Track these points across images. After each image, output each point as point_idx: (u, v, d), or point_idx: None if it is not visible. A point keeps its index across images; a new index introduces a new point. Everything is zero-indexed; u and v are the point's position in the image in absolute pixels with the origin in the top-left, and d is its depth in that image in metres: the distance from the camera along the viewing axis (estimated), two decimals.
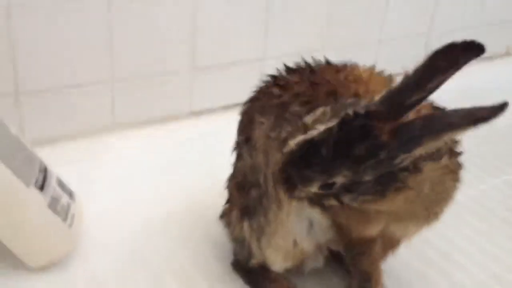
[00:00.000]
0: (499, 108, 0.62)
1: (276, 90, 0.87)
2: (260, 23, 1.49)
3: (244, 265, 0.98)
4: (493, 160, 1.46)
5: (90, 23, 1.26)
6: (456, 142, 0.78)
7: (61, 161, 1.25)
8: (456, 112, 0.66)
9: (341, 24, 1.63)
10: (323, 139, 0.67)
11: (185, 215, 1.18)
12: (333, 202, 0.72)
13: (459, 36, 0.69)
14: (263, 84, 0.93)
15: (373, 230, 0.84)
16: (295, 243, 0.88)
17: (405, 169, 0.69)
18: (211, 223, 1.13)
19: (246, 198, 0.91)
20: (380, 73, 0.85)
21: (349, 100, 0.71)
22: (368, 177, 0.68)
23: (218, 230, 1.07)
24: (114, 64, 1.32)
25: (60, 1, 1.21)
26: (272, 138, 0.84)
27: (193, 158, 1.36)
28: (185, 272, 1.03)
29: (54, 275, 0.99)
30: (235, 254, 1.01)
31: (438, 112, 0.72)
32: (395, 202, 0.74)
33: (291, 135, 0.71)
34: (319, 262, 0.96)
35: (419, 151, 0.67)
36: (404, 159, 0.67)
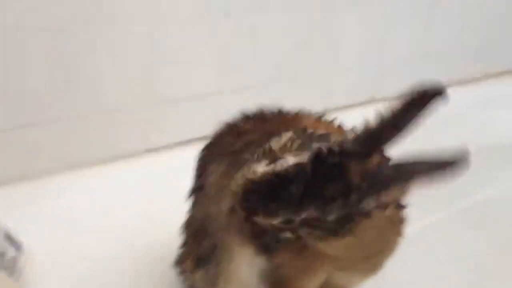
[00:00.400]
0: (462, 160, 0.63)
1: (229, 138, 0.87)
2: (216, 57, 1.49)
3: None
4: (437, 192, 1.47)
5: (46, 60, 1.23)
6: (402, 195, 0.78)
7: (9, 205, 1.22)
8: (424, 160, 0.66)
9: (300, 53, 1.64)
10: (295, 175, 0.65)
11: (139, 259, 1.16)
12: (289, 235, 0.70)
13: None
14: (218, 132, 0.93)
15: (315, 281, 0.84)
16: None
17: (364, 213, 0.68)
18: (165, 268, 1.11)
19: (200, 247, 0.89)
20: (328, 121, 0.86)
21: (319, 132, 0.70)
22: (332, 217, 0.66)
23: (173, 276, 1.05)
24: (65, 103, 1.30)
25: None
26: (224, 187, 0.83)
27: (147, 197, 1.33)
28: None
29: None
30: None
31: (408, 159, 0.72)
32: (339, 247, 0.73)
33: (256, 160, 0.69)
34: None
35: (385, 196, 0.66)
36: (370, 203, 0.66)
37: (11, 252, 0.98)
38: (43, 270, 1.07)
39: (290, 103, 1.57)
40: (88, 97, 1.33)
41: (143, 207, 1.30)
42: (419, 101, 0.67)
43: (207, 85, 1.50)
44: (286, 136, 0.70)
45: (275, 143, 0.70)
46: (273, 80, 1.62)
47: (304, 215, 0.66)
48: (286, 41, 1.62)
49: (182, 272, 0.97)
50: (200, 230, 0.90)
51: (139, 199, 1.33)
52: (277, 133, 0.81)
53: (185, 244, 0.97)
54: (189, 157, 1.38)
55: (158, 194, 1.34)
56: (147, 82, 1.39)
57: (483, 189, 1.49)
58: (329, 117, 0.88)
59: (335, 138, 0.69)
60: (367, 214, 0.70)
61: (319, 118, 0.86)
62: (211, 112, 1.51)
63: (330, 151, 0.65)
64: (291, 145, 0.69)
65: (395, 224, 0.77)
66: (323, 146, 0.66)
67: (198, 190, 0.91)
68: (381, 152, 0.68)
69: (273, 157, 0.68)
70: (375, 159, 0.66)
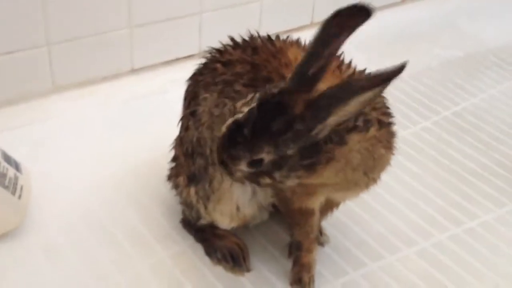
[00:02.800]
0: (401, 68, 0.66)
1: (219, 67, 0.91)
2: None
3: (193, 224, 1.04)
4: (424, 101, 1.54)
5: None
6: (385, 114, 0.82)
7: (3, 127, 1.25)
8: (361, 77, 0.72)
9: None
10: (246, 119, 0.72)
11: (132, 175, 1.21)
12: (267, 180, 0.77)
13: None
14: (207, 58, 0.95)
15: (315, 202, 0.91)
16: (238, 208, 0.93)
17: (329, 140, 0.74)
18: (158, 182, 1.17)
19: (192, 166, 0.95)
20: None
21: (273, 84, 0.75)
22: (290, 151, 0.72)
23: (166, 190, 1.12)
24: (49, 27, 1.29)
25: None
26: (216, 116, 0.88)
27: (136, 117, 1.37)
28: (136, 231, 1.08)
29: (8, 246, 1.02)
30: (184, 214, 1.06)
31: (345, 80, 0.76)
32: (327, 175, 0.80)
33: (224, 120, 0.76)
34: (265, 217, 1.03)
35: (333, 120, 0.70)
36: (322, 130, 0.71)
37: (11, 171, 1.03)
38: (39, 190, 1.12)
39: (272, 21, 1.60)
40: (72, 20, 1.32)
41: (132, 125, 1.34)
42: (337, 23, 0.71)
43: (188, 5, 1.49)
44: (250, 96, 0.74)
45: (239, 103, 0.75)
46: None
47: (263, 154, 0.73)
48: None
49: (176, 187, 1.02)
50: (192, 150, 0.95)
51: (128, 119, 1.36)
52: (263, 65, 0.85)
53: (176, 159, 1.02)
54: (175, 76, 1.41)
55: (146, 113, 1.38)
56: (129, 2, 1.38)
57: (467, 98, 1.57)
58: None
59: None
60: (342, 141, 0.75)
61: (304, 48, 0.88)
62: (194, 32, 1.52)
63: (271, 93, 0.72)
64: (251, 101, 0.73)
65: (382, 141, 0.82)
66: (265, 89, 0.73)
67: (189, 115, 0.95)
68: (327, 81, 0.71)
69: (235, 113, 0.74)
70: (320, 88, 0.71)
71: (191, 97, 0.95)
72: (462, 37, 1.86)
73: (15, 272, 0.98)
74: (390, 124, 0.84)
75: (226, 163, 0.76)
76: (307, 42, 0.82)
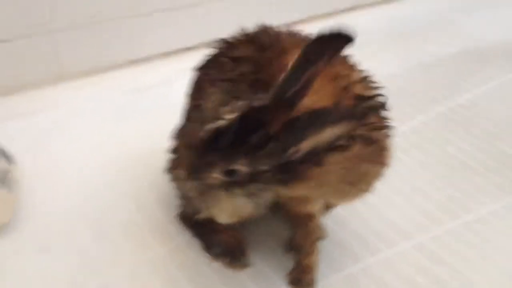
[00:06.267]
0: (375, 108, 0.70)
1: (228, 62, 0.89)
2: None
3: (191, 218, 1.02)
4: (421, 97, 1.54)
5: None
6: (376, 128, 0.80)
7: (3, 115, 1.22)
8: (337, 109, 0.72)
9: None
10: (226, 128, 0.72)
11: (128, 167, 1.19)
12: (240, 191, 0.77)
13: None
14: (216, 50, 0.94)
15: (313, 207, 0.91)
16: (237, 206, 0.92)
17: (304, 160, 0.73)
18: (155, 174, 1.15)
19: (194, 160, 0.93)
20: None
21: (258, 95, 0.74)
22: (264, 167, 0.73)
23: (163, 181, 1.09)
24: (46, 16, 1.26)
25: None
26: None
27: (135, 108, 1.35)
28: (132, 225, 1.06)
29: (1, 240, 0.99)
30: (182, 207, 1.04)
31: (322, 108, 0.74)
32: (304, 190, 0.80)
33: (206, 124, 0.75)
34: (264, 212, 1.01)
35: (307, 144, 0.71)
36: (296, 151, 0.72)
37: (2, 164, 1.00)
38: (33, 182, 1.10)
39: (269, 13, 1.58)
40: (69, 9, 1.29)
41: (130, 117, 1.32)
42: (317, 49, 0.71)
43: None
44: (235, 104, 0.74)
45: (223, 109, 0.75)
46: None
47: (238, 166, 0.73)
48: None
49: (175, 179, 1.00)
50: (195, 143, 0.92)
51: (126, 110, 1.34)
52: (266, 66, 0.85)
53: (176, 151, 1.00)
54: (180, 66, 1.38)
55: (145, 105, 1.36)
56: None
57: (460, 94, 1.56)
58: None
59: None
60: (318, 162, 0.75)
61: None
62: (193, 23, 1.49)
63: (252, 107, 0.72)
64: (236, 109, 0.73)
65: (369, 158, 0.80)
66: (248, 100, 0.73)
67: (193, 108, 0.93)
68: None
69: (217, 120, 0.74)
70: (301, 109, 0.71)
71: (197, 89, 0.94)
72: (455, 33, 1.87)
73: (6, 268, 0.95)
74: (380, 140, 0.81)
75: (200, 168, 0.76)
76: None
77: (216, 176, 0.75)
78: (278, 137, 0.71)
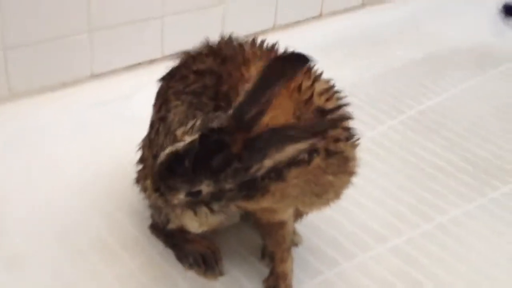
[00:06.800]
0: (335, 123, 0.72)
1: (191, 76, 0.89)
2: None
3: (163, 228, 1.00)
4: (390, 101, 1.55)
5: None
6: (338, 140, 0.80)
7: None
8: (297, 126, 0.73)
9: None
10: (186, 151, 0.71)
11: (96, 181, 1.17)
12: (204, 209, 0.78)
13: None
14: (179, 62, 0.93)
15: (282, 216, 0.90)
16: (206, 215, 0.91)
17: (267, 176, 0.74)
18: (123, 187, 1.13)
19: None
20: None
21: (216, 114, 0.75)
22: (229, 186, 0.73)
23: (132, 195, 1.08)
24: (3, 32, 1.24)
25: None
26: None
27: (97, 123, 1.32)
28: (103, 239, 1.04)
29: None
30: (153, 218, 1.03)
31: (282, 126, 0.74)
32: (268, 203, 0.80)
33: (163, 147, 0.76)
34: (236, 219, 1.00)
35: (269, 162, 0.71)
36: (259, 169, 0.72)
37: None
38: (1, 198, 1.07)
39: (236, 25, 1.59)
40: (31, 24, 1.27)
41: (94, 131, 1.29)
42: (275, 71, 0.73)
43: (149, 9, 1.46)
44: (190, 123, 0.74)
45: (179, 131, 0.75)
46: (214, 2, 1.60)
47: (203, 187, 0.73)
48: None
49: (144, 190, 0.99)
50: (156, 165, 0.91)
51: (89, 124, 1.31)
52: (226, 78, 0.86)
53: (144, 161, 0.99)
54: (138, 81, 1.38)
55: (108, 118, 1.34)
56: (89, 7, 1.34)
57: (428, 98, 1.59)
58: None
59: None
60: (280, 177, 0.75)
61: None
62: (155, 36, 1.49)
63: (211, 129, 0.72)
64: (192, 129, 0.73)
65: (331, 169, 0.80)
66: (205, 120, 0.73)
67: (160, 120, 0.93)
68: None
69: (175, 142, 0.74)
70: (260, 128, 0.71)
71: (162, 101, 0.93)
72: (423, 38, 1.90)
73: None
74: (343, 151, 0.81)
75: (163, 191, 0.75)
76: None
77: (181, 197, 0.75)
78: (240, 156, 0.71)
